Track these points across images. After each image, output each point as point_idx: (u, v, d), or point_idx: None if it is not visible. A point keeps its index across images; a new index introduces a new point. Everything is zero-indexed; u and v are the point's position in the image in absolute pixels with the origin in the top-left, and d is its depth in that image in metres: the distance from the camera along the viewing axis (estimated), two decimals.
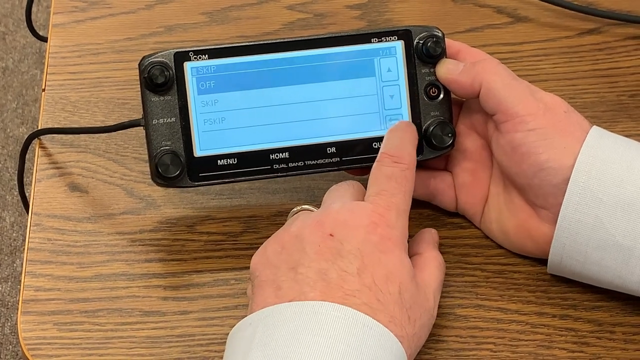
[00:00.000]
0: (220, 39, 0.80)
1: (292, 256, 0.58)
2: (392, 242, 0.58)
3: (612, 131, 0.64)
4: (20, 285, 0.67)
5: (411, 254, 0.62)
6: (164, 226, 0.70)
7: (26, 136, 0.72)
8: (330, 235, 0.58)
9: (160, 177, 0.65)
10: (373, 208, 0.59)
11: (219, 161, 0.66)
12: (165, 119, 0.65)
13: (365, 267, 0.57)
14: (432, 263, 0.62)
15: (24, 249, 1.58)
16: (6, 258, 1.55)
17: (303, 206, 0.64)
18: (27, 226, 0.69)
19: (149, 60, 0.65)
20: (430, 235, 0.65)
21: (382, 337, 0.55)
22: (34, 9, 1.60)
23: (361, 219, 0.59)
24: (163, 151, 0.65)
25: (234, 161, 0.66)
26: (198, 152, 0.66)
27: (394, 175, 0.61)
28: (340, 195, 0.62)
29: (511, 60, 0.79)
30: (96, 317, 0.65)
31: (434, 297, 0.60)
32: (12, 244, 1.57)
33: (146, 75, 0.65)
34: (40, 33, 1.06)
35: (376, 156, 0.66)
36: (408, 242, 0.61)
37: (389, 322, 0.56)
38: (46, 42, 0.99)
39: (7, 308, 1.51)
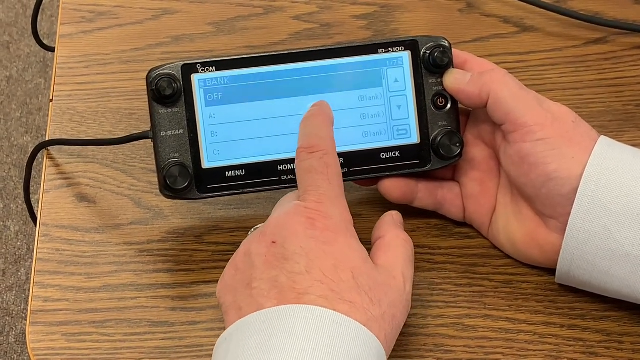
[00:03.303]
0: (227, 49, 0.80)
1: (245, 274, 0.58)
2: (332, 231, 0.58)
3: (619, 141, 0.64)
4: (25, 294, 0.67)
5: (375, 239, 0.62)
6: (172, 236, 0.70)
7: (30, 145, 0.72)
8: (273, 242, 0.58)
9: (169, 189, 0.65)
10: (305, 205, 0.59)
11: (227, 173, 0.66)
12: (173, 131, 0.66)
13: (312, 263, 0.57)
14: (394, 242, 0.61)
15: (29, 258, 1.58)
16: (11, 267, 1.56)
17: (257, 226, 0.63)
18: (31, 235, 0.70)
19: (156, 72, 0.65)
20: (390, 217, 0.64)
21: (347, 327, 0.55)
22: None
23: (297, 218, 0.59)
24: (171, 163, 0.65)
25: (242, 173, 0.66)
26: (206, 164, 0.66)
27: (313, 166, 0.60)
28: (280, 204, 0.62)
29: (517, 70, 0.79)
30: (105, 328, 0.65)
31: (402, 274, 0.59)
32: (17, 253, 1.57)
33: (154, 88, 0.65)
34: (44, 42, 1.06)
35: (384, 167, 0.67)
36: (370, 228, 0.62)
37: (349, 309, 0.55)
38: (51, 51, 0.99)
39: (12, 317, 1.51)
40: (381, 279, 0.58)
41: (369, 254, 0.60)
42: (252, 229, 0.63)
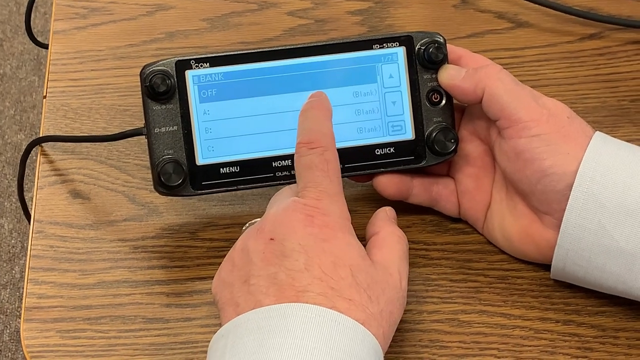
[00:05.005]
0: (221, 45, 0.80)
1: (243, 270, 0.58)
2: (331, 228, 0.58)
3: (613, 136, 0.64)
4: (19, 292, 0.67)
5: (369, 235, 0.62)
6: (167, 233, 0.69)
7: (24, 143, 0.72)
8: (271, 239, 0.58)
9: (163, 185, 0.65)
10: (304, 202, 0.59)
11: (221, 169, 0.66)
12: (167, 128, 0.65)
13: (311, 260, 0.57)
14: (389, 238, 0.61)
15: (23, 256, 1.57)
16: (5, 265, 1.55)
17: (252, 221, 0.63)
18: (25, 233, 0.69)
19: (150, 68, 0.65)
20: (384, 213, 0.64)
21: (345, 326, 0.55)
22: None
23: (296, 215, 0.58)
24: (165, 160, 0.65)
25: (237, 169, 0.66)
26: (200, 161, 0.66)
27: (313, 163, 0.60)
28: (277, 199, 0.62)
29: (512, 66, 0.79)
30: (99, 325, 0.65)
31: (398, 271, 0.60)
32: (11, 251, 1.57)
33: (148, 84, 0.65)
34: (38, 39, 1.06)
35: (379, 163, 0.67)
36: (362, 225, 0.62)
37: (348, 306, 0.55)
38: (45, 48, 0.99)
39: (6, 315, 1.50)
40: (378, 276, 0.58)
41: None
42: (247, 224, 0.63)
